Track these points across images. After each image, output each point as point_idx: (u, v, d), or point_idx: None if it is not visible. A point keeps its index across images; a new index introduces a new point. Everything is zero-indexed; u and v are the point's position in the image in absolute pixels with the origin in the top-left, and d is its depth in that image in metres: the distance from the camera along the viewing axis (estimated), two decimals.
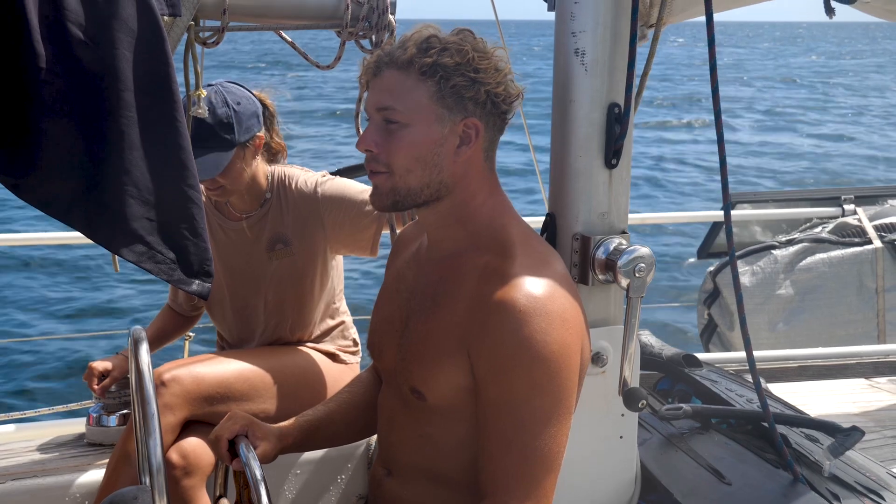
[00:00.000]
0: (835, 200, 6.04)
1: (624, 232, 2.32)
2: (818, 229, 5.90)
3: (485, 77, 1.84)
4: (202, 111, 2.34)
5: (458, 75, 1.81)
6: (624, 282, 2.19)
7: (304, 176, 3.00)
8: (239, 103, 2.86)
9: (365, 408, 2.25)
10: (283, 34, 2.48)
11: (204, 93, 2.36)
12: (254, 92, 3.00)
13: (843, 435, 2.71)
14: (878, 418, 3.66)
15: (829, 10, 2.62)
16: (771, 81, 52.81)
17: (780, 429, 2.60)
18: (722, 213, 5.95)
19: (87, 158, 1.90)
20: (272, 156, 3.03)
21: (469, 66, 1.82)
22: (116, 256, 2.19)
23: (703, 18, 2.30)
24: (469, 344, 1.81)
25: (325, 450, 2.89)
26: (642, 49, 2.32)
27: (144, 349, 1.96)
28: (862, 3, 2.58)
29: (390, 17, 2.41)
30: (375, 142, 1.85)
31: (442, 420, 1.92)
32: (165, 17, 2.03)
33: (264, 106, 3.02)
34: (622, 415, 2.39)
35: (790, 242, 5.77)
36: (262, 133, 2.92)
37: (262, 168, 2.97)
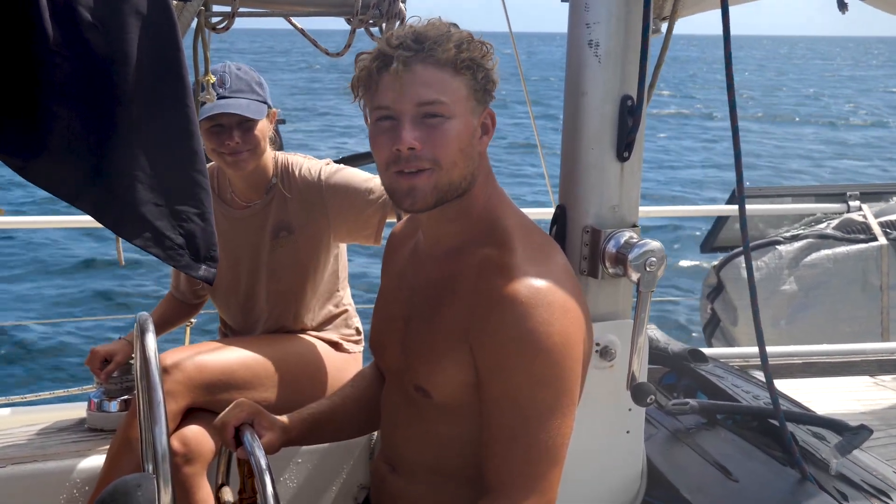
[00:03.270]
0: (840, 196, 6.02)
1: (635, 225, 2.31)
2: (823, 225, 5.88)
3: (493, 68, 1.86)
4: (210, 96, 2.32)
5: (482, 69, 1.83)
6: (634, 276, 2.17)
7: (307, 163, 2.99)
8: (253, 70, 2.89)
9: (368, 403, 2.24)
10: (293, 20, 2.46)
11: (213, 78, 2.34)
12: None
13: (850, 433, 2.70)
14: (883, 416, 3.64)
15: (842, 6, 2.60)
16: None
17: (788, 426, 2.59)
18: (727, 206, 5.97)
19: (96, 142, 1.89)
20: (274, 141, 3.02)
21: (487, 59, 1.84)
22: (121, 249, 2.18)
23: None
24: (471, 338, 1.80)
25: None
26: (655, 41, 2.30)
27: (151, 336, 1.95)
28: None
29: (401, 5, 2.39)
30: (418, 137, 1.79)
31: (447, 417, 1.91)
32: (176, 2, 2.01)
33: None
34: (629, 409, 2.38)
35: (795, 238, 5.75)
36: (275, 110, 2.92)
37: (269, 153, 2.95)
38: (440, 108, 1.79)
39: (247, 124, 2.79)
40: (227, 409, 2.06)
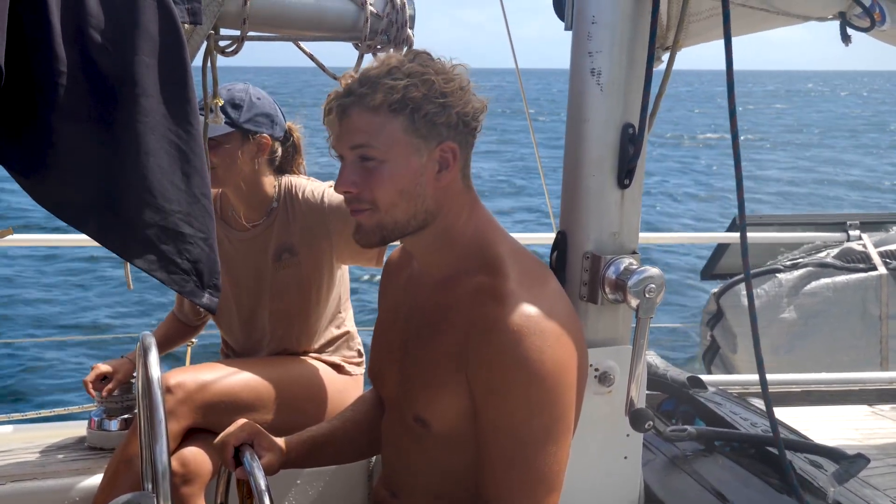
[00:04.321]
0: (840, 226, 6.04)
1: (634, 252, 2.32)
2: (823, 254, 5.90)
3: (452, 100, 1.83)
4: (219, 119, 2.34)
5: (428, 104, 1.80)
6: (634, 302, 2.19)
7: (310, 186, 3.01)
8: (259, 98, 2.91)
9: (368, 428, 2.25)
10: (302, 45, 2.48)
11: (221, 101, 2.36)
12: (287, 122, 3.05)
13: (848, 462, 2.71)
14: (881, 446, 3.65)
15: (846, 38, 2.64)
16: None
17: (786, 454, 2.60)
18: (727, 234, 5.99)
19: (103, 164, 1.89)
20: (279, 169, 3.04)
21: (436, 92, 1.81)
22: (129, 273, 2.18)
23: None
24: (466, 366, 1.81)
25: None
26: (657, 71, 2.33)
27: (154, 355, 1.96)
28: (878, 31, 2.59)
29: (409, 31, 2.41)
30: (353, 182, 1.83)
31: (447, 446, 1.91)
32: (186, 25, 2.03)
33: (290, 134, 3.07)
34: (627, 435, 2.39)
35: (795, 266, 5.77)
36: (268, 136, 2.92)
37: (268, 177, 2.97)
38: (370, 152, 1.80)
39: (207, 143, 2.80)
40: (228, 428, 2.08)
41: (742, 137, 2.28)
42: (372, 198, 1.82)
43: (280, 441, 2.11)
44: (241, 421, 2.10)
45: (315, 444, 2.18)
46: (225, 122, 2.80)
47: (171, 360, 3.53)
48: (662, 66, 2.42)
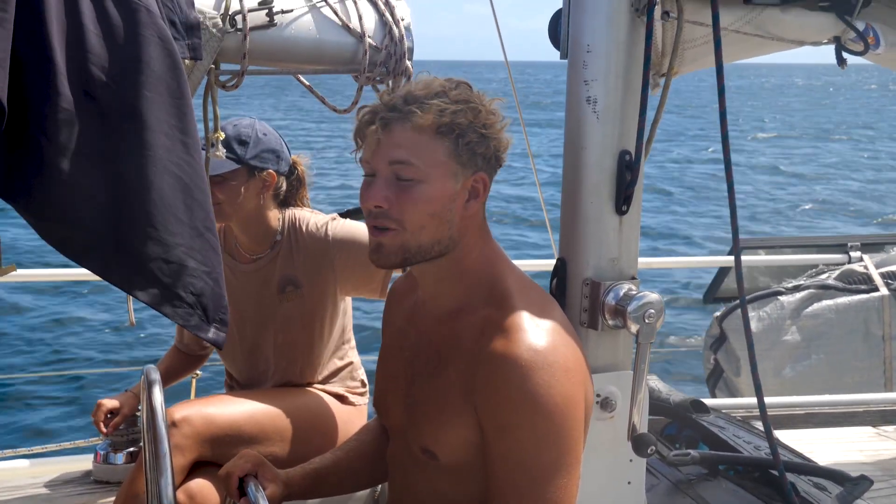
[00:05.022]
0: (841, 247, 6.04)
1: (634, 278, 2.34)
2: (824, 276, 5.89)
3: (492, 132, 1.86)
4: (220, 153, 2.36)
5: (472, 132, 1.82)
6: (634, 327, 2.20)
7: (314, 218, 3.03)
8: (265, 134, 2.93)
9: (372, 457, 2.25)
10: (301, 78, 2.51)
11: (222, 135, 2.38)
12: (292, 155, 3.07)
13: (851, 484, 2.71)
14: (886, 467, 3.65)
15: (841, 62, 2.67)
16: None
17: (789, 476, 2.60)
18: (728, 258, 6.00)
19: (106, 199, 1.91)
20: (284, 202, 3.06)
21: (480, 123, 1.84)
22: (132, 308, 2.19)
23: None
24: (475, 400, 1.81)
25: None
26: (653, 98, 2.35)
27: (158, 389, 1.98)
28: (873, 54, 2.61)
29: (407, 62, 2.43)
30: (386, 197, 1.81)
31: (455, 477, 1.91)
32: (186, 61, 2.05)
33: (295, 167, 3.08)
34: (630, 460, 2.39)
35: (796, 289, 5.76)
36: (273, 172, 2.94)
37: (273, 211, 2.99)
38: (410, 171, 1.80)
39: (212, 178, 2.78)
40: (232, 460, 2.08)
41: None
42: (401, 217, 1.81)
43: (283, 473, 2.11)
44: (245, 452, 2.10)
45: (318, 475, 2.19)
46: (231, 159, 2.82)
47: (177, 387, 3.54)
48: (659, 93, 2.44)
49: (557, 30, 2.43)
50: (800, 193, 26.61)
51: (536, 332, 1.80)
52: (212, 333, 2.06)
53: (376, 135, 1.81)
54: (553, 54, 2.43)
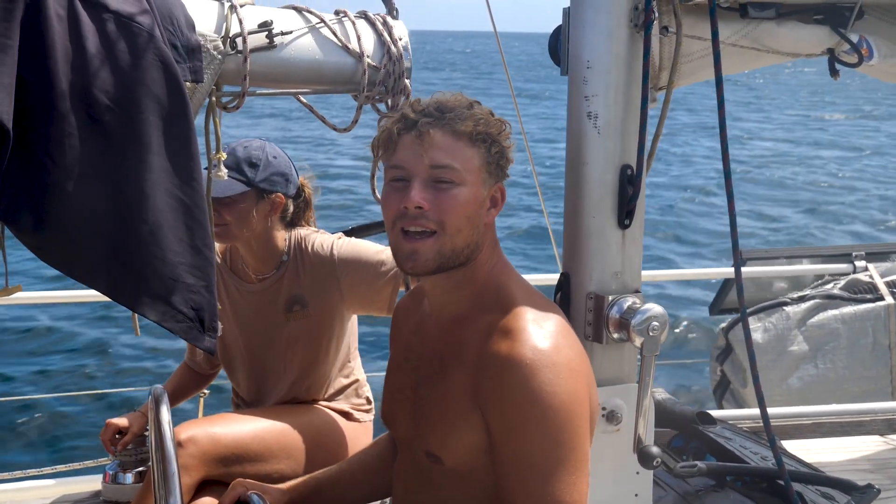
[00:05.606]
0: (846, 257, 6.05)
1: (637, 291, 2.35)
2: (830, 286, 5.90)
3: (509, 146, 1.95)
4: (222, 173, 2.38)
5: (498, 144, 1.91)
6: (638, 340, 2.21)
7: (320, 238, 3.04)
8: (276, 157, 2.96)
9: (376, 470, 2.27)
10: (302, 98, 2.53)
11: (224, 155, 2.40)
12: (300, 176, 3.10)
13: (859, 493, 2.71)
14: (893, 476, 3.65)
15: (834, 73, 2.68)
16: None
17: (796, 486, 2.60)
18: (732, 269, 5.99)
19: (111, 221, 1.93)
20: (290, 224, 3.08)
21: (504, 136, 1.93)
22: (136, 318, 2.22)
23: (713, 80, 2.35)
24: (482, 403, 1.84)
25: None
26: (654, 112, 2.36)
27: (165, 408, 1.99)
28: (867, 66, 2.63)
29: (406, 81, 2.45)
30: (426, 199, 1.85)
31: (459, 483, 1.93)
32: (188, 84, 2.07)
33: (302, 189, 3.11)
34: (637, 472, 2.39)
35: (802, 299, 5.76)
36: (282, 195, 2.96)
37: (279, 232, 3.01)
38: (451, 174, 1.85)
39: (221, 200, 2.84)
40: (226, 492, 2.13)
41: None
42: (441, 218, 1.86)
43: (284, 484, 2.16)
44: (238, 481, 2.18)
45: (318, 486, 2.23)
46: (241, 181, 2.85)
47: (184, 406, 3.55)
48: (659, 107, 2.46)
49: (558, 46, 2.44)
50: None
51: (540, 333, 1.84)
52: (206, 342, 2.11)
53: (417, 138, 1.87)
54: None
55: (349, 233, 3.19)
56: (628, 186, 2.30)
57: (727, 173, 2.29)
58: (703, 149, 30.51)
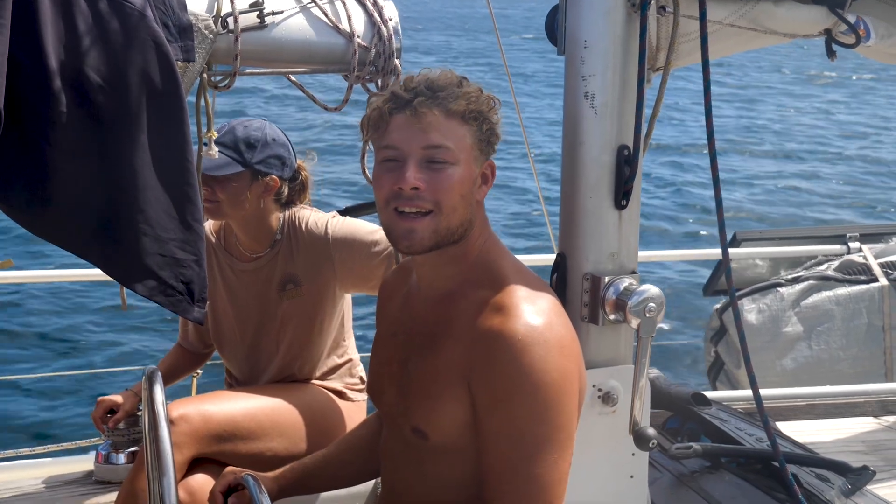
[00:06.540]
0: (840, 238, 6.03)
1: (634, 272, 2.34)
2: (823, 266, 5.89)
3: (497, 122, 1.94)
4: (213, 152, 2.38)
5: (488, 121, 1.91)
6: (634, 322, 2.20)
7: (314, 217, 3.03)
8: (274, 139, 2.95)
9: (365, 450, 2.27)
10: (293, 78, 2.52)
11: (215, 134, 2.40)
12: (298, 160, 3.09)
13: (853, 474, 2.71)
14: (887, 457, 3.66)
15: (831, 53, 2.67)
16: None
17: (791, 468, 2.60)
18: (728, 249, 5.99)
19: (104, 197, 1.96)
20: (285, 204, 3.06)
21: (494, 113, 1.93)
22: (125, 293, 2.25)
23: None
24: (470, 377, 1.84)
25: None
26: (651, 92, 2.35)
27: (159, 388, 1.98)
28: (864, 47, 2.62)
29: (396, 61, 2.45)
30: (421, 179, 1.85)
31: (444, 458, 1.93)
32: (179, 63, 2.07)
33: (299, 171, 3.09)
34: (633, 454, 2.39)
35: (796, 280, 5.75)
36: (277, 177, 2.95)
37: (274, 212, 3.00)
38: (445, 154, 1.85)
39: (215, 178, 2.84)
40: (217, 480, 2.15)
41: None
42: (437, 198, 1.86)
43: (272, 473, 2.17)
44: (228, 469, 2.18)
45: (307, 470, 2.23)
46: (237, 161, 2.85)
47: (177, 386, 3.54)
48: (656, 87, 2.44)
49: (554, 26, 2.43)
50: None
51: (532, 309, 1.84)
52: (196, 313, 2.13)
53: (410, 118, 1.86)
54: None
55: (344, 212, 3.17)
56: (625, 167, 2.28)
57: (713, 157, 2.28)
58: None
